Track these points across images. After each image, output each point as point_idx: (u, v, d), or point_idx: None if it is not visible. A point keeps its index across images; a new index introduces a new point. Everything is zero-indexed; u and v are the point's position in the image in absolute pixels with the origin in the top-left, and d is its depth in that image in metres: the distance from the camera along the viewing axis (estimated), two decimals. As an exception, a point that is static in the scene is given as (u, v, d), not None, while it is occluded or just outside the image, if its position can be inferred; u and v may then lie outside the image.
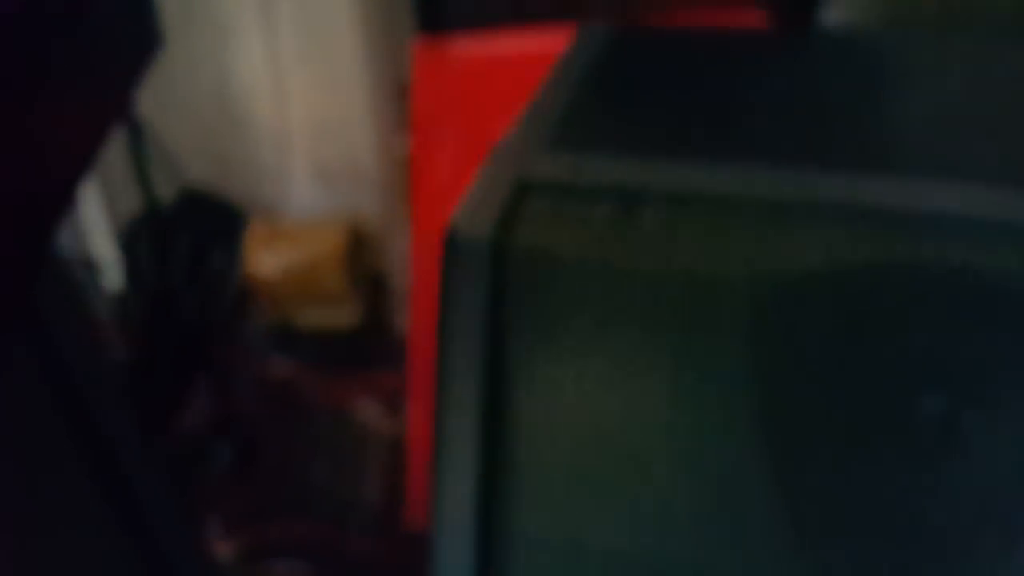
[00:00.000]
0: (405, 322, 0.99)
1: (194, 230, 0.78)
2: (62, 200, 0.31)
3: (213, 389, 0.84)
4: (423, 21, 0.78)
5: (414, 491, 0.78)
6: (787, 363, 0.34)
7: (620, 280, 0.35)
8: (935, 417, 0.35)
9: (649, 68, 0.47)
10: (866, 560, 0.36)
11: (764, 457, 0.35)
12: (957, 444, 0.35)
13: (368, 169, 1.00)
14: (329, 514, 0.84)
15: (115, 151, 0.84)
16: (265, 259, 0.94)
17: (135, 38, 0.41)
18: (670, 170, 0.37)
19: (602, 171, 0.37)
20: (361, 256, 1.01)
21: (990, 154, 0.39)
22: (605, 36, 0.49)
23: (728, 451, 0.35)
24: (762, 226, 0.35)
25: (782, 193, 0.35)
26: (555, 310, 0.35)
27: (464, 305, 0.36)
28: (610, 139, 0.40)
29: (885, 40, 0.54)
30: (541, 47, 0.77)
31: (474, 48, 0.80)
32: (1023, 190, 0.35)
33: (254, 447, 0.85)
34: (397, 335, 0.99)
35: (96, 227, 0.85)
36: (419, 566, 0.41)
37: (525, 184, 0.37)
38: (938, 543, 0.35)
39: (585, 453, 0.36)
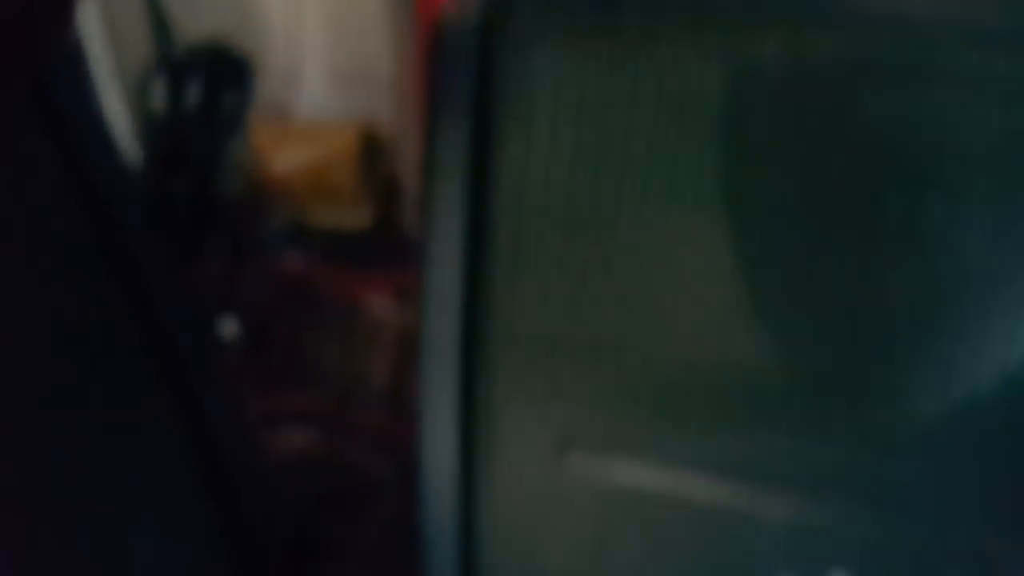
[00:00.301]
0: (415, 222, 1.01)
1: (206, 73, 0.81)
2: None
3: (224, 259, 0.87)
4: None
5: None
6: (756, 154, 0.36)
7: (599, 73, 0.36)
8: (900, 209, 0.36)
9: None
10: (833, 345, 0.37)
11: (731, 245, 0.37)
12: (922, 236, 0.36)
13: (383, 74, 1.01)
14: (338, 390, 0.87)
15: (133, 41, 0.86)
16: (278, 156, 0.96)
17: None
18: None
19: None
20: (375, 158, 1.02)
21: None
22: None
23: (696, 238, 0.37)
24: (739, 25, 0.36)
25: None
26: (538, 101, 0.37)
27: (451, 96, 0.37)
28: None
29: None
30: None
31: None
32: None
33: (265, 327, 0.88)
34: (408, 235, 1.02)
35: (115, 118, 0.87)
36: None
37: (515, -13, 0.38)
38: (901, 332, 0.37)
39: (559, 229, 0.38)
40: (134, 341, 0.50)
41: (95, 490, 0.50)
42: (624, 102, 0.36)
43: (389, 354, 0.90)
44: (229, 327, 0.88)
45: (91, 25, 0.82)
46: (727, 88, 0.35)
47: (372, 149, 1.03)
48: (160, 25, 0.81)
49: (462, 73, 0.37)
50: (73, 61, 0.43)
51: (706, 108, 0.35)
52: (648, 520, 0.41)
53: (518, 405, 0.41)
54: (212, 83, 0.79)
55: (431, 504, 0.46)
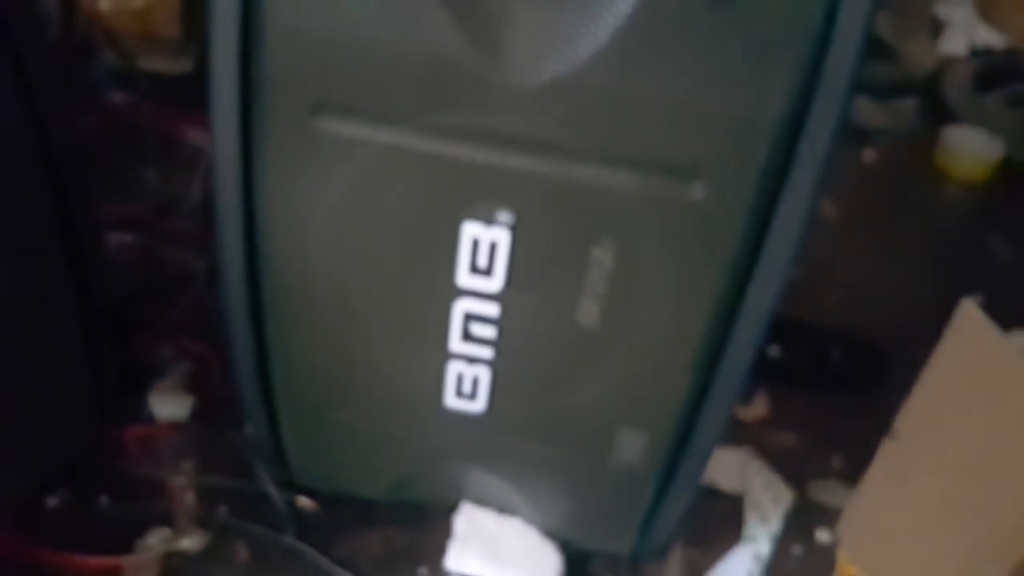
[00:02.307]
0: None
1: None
2: None
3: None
4: None
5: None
6: None
7: None
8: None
9: None
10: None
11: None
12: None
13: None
14: (156, 205, 0.94)
15: None
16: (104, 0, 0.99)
17: None
18: None
19: None
20: (197, 8, 1.07)
21: None
22: None
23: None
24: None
25: None
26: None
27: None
28: None
29: None
30: None
31: None
32: None
33: (91, 153, 0.92)
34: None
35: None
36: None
37: None
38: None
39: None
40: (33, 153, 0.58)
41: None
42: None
43: (202, 178, 0.97)
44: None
45: None
46: None
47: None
48: None
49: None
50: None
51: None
52: (387, 177, 0.51)
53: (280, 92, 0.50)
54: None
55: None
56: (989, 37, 1.89)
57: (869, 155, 1.45)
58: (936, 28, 1.88)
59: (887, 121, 1.53)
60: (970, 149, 1.43)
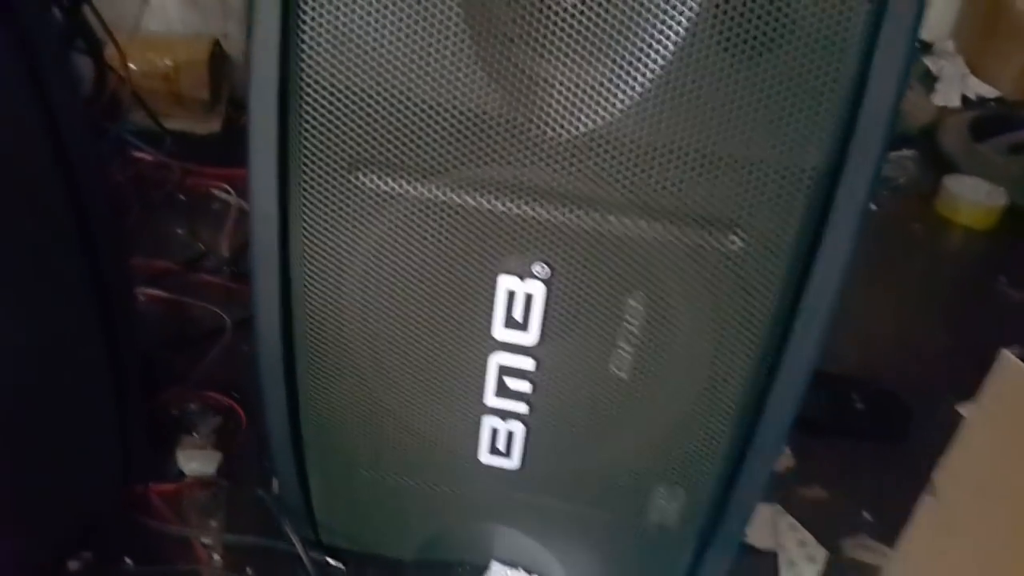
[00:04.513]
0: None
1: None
2: None
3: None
4: None
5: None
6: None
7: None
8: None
9: None
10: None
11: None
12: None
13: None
14: (185, 260, 0.91)
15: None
16: (134, 62, 0.98)
17: None
18: None
19: None
20: (224, 70, 1.06)
21: None
22: None
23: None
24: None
25: None
26: None
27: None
28: None
29: None
30: None
31: None
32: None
33: (120, 207, 0.90)
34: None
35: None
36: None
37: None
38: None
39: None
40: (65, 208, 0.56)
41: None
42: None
43: (234, 230, 0.94)
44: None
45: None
46: None
47: (222, 61, 1.06)
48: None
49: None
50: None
51: None
52: (423, 230, 0.48)
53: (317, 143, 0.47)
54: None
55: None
56: (980, 88, 1.89)
57: (871, 205, 1.42)
58: (928, 81, 1.88)
59: (888, 172, 1.51)
60: (971, 197, 1.41)
